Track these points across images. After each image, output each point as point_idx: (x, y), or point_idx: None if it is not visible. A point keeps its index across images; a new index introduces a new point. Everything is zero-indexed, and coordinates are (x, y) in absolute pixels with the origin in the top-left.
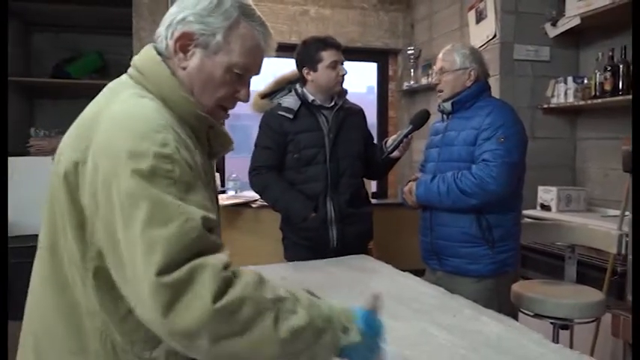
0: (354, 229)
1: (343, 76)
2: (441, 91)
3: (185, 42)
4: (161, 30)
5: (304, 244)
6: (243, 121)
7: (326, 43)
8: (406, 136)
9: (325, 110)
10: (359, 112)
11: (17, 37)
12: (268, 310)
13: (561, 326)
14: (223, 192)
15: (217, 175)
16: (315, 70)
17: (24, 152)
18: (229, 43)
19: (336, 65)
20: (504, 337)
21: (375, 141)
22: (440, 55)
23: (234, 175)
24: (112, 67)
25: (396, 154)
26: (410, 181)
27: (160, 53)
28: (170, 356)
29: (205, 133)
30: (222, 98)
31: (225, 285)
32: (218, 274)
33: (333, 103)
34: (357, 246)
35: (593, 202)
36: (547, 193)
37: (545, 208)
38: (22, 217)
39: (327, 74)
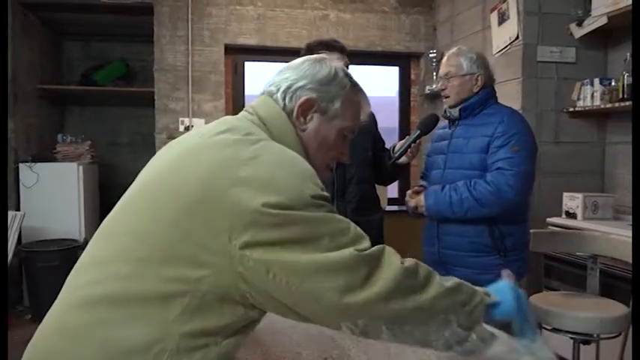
0: None
1: None
2: (447, 97)
3: (307, 107)
4: (274, 90)
5: None
6: None
7: (329, 46)
8: (414, 141)
9: None
10: (369, 116)
11: (48, 46)
12: (433, 271)
13: (582, 341)
14: None
15: None
16: None
17: (51, 158)
18: (345, 109)
19: None
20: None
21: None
22: (444, 60)
23: None
24: (136, 74)
25: (404, 159)
26: (413, 191)
27: None
28: None
29: None
30: (331, 158)
31: (401, 257)
32: (394, 251)
33: None
34: None
35: (622, 210)
36: (572, 200)
37: (571, 215)
38: (47, 222)
39: None
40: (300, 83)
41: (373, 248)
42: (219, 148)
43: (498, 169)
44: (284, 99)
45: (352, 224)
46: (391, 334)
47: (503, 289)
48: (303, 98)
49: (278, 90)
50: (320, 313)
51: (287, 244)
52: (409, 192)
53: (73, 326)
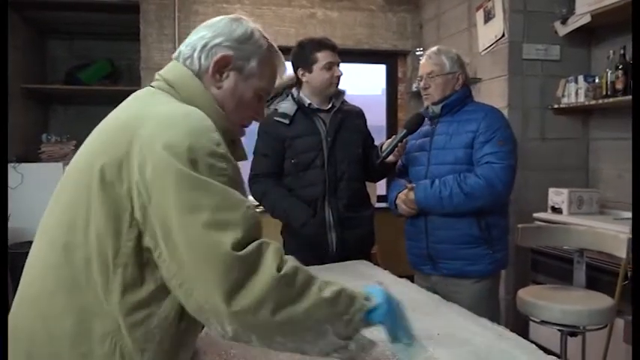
0: (354, 234)
1: (339, 77)
2: (428, 95)
3: (222, 64)
4: (189, 51)
5: (304, 249)
6: (254, 125)
7: (321, 44)
8: (400, 140)
9: (322, 113)
10: (358, 114)
11: (32, 45)
12: (314, 278)
13: (570, 333)
14: None
15: None
16: (310, 71)
17: (36, 158)
18: (261, 68)
19: (331, 66)
20: (495, 348)
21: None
22: (425, 59)
23: None
24: (121, 73)
25: (391, 158)
26: (399, 192)
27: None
28: None
29: (227, 147)
30: (247, 117)
31: (282, 259)
32: (278, 249)
33: (330, 106)
34: (358, 251)
35: (606, 205)
36: (558, 196)
37: (556, 210)
38: (33, 223)
39: (322, 75)
40: (216, 41)
41: (252, 247)
42: (115, 121)
43: (487, 162)
44: (199, 58)
45: (244, 202)
46: (261, 342)
47: (378, 292)
48: (218, 55)
49: (194, 50)
50: (190, 305)
51: (172, 207)
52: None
53: (21, 326)
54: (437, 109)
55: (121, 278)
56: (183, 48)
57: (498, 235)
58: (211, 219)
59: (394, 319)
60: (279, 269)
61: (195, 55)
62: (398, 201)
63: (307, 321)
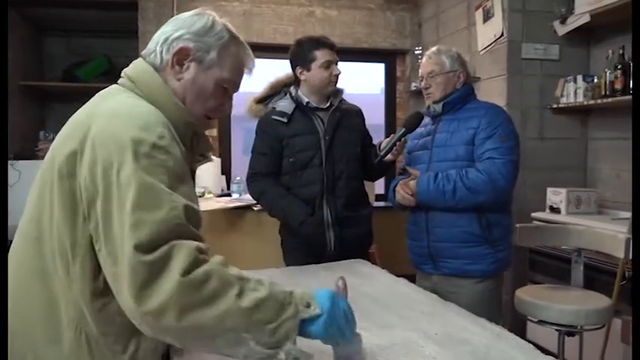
0: (353, 233)
1: (337, 76)
2: (430, 94)
3: (182, 56)
4: (153, 46)
5: (302, 248)
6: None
7: (319, 42)
8: (399, 139)
9: (320, 112)
10: (357, 113)
11: (29, 42)
12: (233, 284)
13: (567, 333)
14: (228, 195)
15: (223, 177)
16: (308, 69)
17: (33, 156)
18: (222, 59)
19: (329, 65)
20: (493, 348)
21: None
22: (426, 59)
23: (237, 178)
24: (119, 70)
25: (389, 157)
26: (400, 182)
27: (152, 66)
28: (140, 351)
29: (190, 139)
30: (210, 109)
31: (196, 263)
32: (191, 253)
33: (328, 104)
34: (357, 249)
35: (604, 204)
36: (556, 195)
37: (555, 210)
38: None
39: (320, 74)
40: (176, 34)
41: (161, 251)
42: (77, 117)
43: (489, 158)
44: (161, 52)
45: (168, 202)
46: (178, 344)
47: (324, 299)
48: (176, 47)
49: (156, 44)
50: (120, 300)
51: (113, 203)
52: (400, 184)
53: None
54: (438, 107)
55: (80, 269)
56: (149, 44)
57: (500, 234)
58: (130, 217)
59: (335, 329)
60: (186, 273)
61: (157, 49)
62: (397, 187)
63: (217, 328)
